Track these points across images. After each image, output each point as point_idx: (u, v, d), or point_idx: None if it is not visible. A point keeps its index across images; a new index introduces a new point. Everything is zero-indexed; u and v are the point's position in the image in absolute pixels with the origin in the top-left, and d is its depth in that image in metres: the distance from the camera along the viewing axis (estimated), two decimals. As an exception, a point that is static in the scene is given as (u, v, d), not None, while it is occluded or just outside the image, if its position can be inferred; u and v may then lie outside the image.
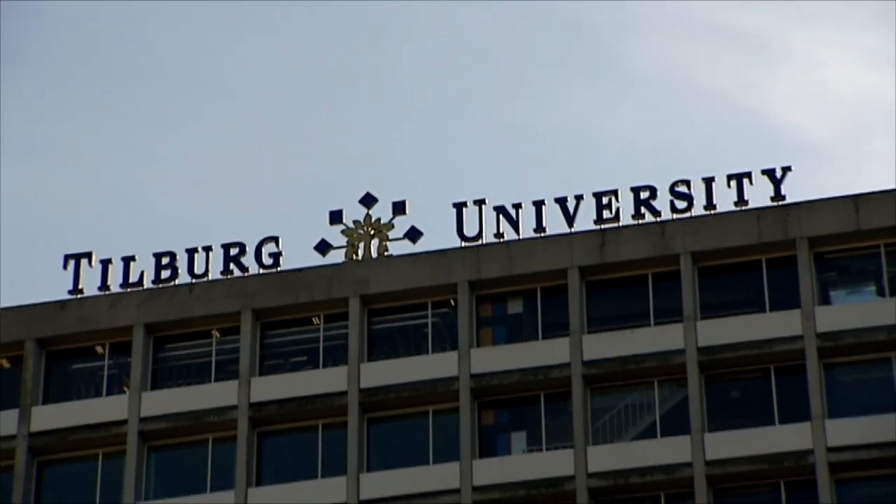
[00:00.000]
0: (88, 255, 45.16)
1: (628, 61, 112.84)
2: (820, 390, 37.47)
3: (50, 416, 43.81)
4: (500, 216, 43.09)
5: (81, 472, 44.34)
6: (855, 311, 40.42)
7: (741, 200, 41.45)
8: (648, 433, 39.72)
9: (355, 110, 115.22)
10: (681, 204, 42.00)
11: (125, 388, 43.92)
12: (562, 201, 42.37)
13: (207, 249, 44.73)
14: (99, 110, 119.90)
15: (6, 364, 45.22)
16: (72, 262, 44.71)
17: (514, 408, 43.35)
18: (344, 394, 41.90)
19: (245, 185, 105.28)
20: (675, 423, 38.46)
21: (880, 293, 40.51)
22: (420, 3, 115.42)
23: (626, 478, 37.76)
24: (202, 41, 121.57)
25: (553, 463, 39.74)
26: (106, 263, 45.18)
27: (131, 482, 41.90)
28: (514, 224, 42.91)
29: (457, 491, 39.81)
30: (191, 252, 44.72)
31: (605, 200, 42.27)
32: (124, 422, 42.86)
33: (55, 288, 46.10)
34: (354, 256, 44.65)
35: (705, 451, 36.78)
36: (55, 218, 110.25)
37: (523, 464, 41.30)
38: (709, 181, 41.93)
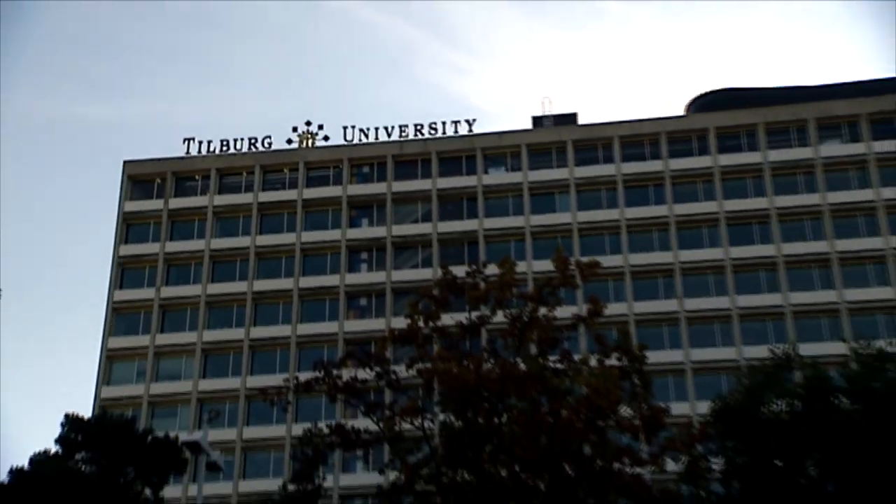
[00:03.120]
0: (192, 138, 76.64)
1: (410, 61, 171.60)
2: (482, 208, 70.87)
3: (178, 203, 75.81)
4: (362, 133, 75.14)
5: (187, 227, 75.21)
6: (500, 176, 74.51)
7: (456, 132, 74.82)
8: (416, 220, 72.92)
9: (307, 80, 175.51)
10: (433, 132, 74.67)
11: (207, 193, 76.58)
12: (386, 128, 75.46)
13: (243, 139, 76.72)
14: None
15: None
16: (187, 141, 76.76)
17: (362, 209, 75.67)
18: (294, 201, 74.46)
19: (259, 112, 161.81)
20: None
21: (507, 171, 74.45)
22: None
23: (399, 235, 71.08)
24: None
25: (381, 231, 71.55)
26: (200, 143, 76.31)
27: (209, 230, 72.78)
28: (366, 135, 75.39)
29: (338, 241, 71.22)
30: (235, 140, 76.96)
31: (403, 129, 74.96)
32: (205, 206, 75.01)
33: (177, 151, 75.96)
34: (303, 146, 75.25)
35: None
36: (180, 117, 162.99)
37: (368, 232, 72.72)
38: (444, 123, 75.27)
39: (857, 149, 72.12)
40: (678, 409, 46.04)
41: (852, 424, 29.72)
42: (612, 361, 29.55)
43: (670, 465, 29.65)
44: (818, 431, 30.13)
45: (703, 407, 44.16)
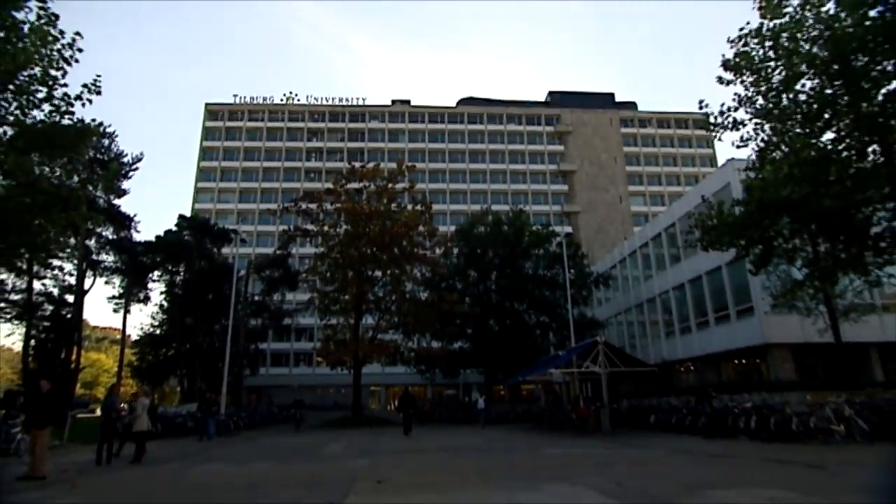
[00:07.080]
0: (237, 94, 68.40)
1: (338, 68, 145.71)
2: (367, 137, 68.07)
3: (230, 124, 63.43)
4: (314, 99, 65.24)
5: (234, 135, 63.29)
6: (376, 125, 65.18)
7: (356, 103, 64.72)
8: (339, 141, 64.22)
9: (290, 73, 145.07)
10: (347, 101, 64.75)
11: (242, 121, 64.27)
12: (325, 98, 64.40)
13: (259, 97, 64.71)
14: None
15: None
16: (234, 96, 65.09)
17: (314, 134, 64.50)
18: (282, 127, 63.90)
19: (268, 84, 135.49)
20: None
21: (379, 122, 65.00)
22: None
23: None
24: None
25: (321, 144, 66.60)
26: (241, 97, 64.75)
27: (243, 137, 63.50)
28: (316, 100, 65.16)
29: (301, 147, 64.53)
30: (256, 97, 64.78)
31: (333, 99, 64.09)
32: (241, 126, 63.44)
33: (229, 99, 65.17)
34: (287, 102, 65.51)
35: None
36: (230, 85, 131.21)
37: (317, 145, 63.90)
38: (351, 98, 65.14)
39: (520, 128, 68.53)
40: (443, 229, 43.19)
41: (508, 238, 30.65)
42: (418, 208, 27.60)
43: (437, 251, 29.06)
44: (493, 239, 30.14)
45: (453, 227, 42.34)
